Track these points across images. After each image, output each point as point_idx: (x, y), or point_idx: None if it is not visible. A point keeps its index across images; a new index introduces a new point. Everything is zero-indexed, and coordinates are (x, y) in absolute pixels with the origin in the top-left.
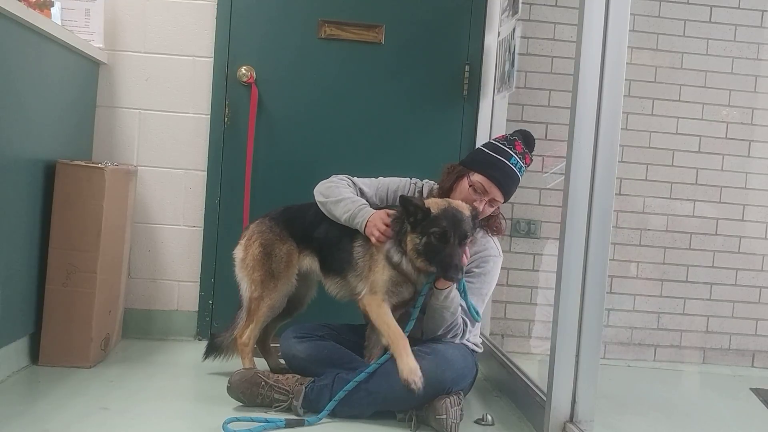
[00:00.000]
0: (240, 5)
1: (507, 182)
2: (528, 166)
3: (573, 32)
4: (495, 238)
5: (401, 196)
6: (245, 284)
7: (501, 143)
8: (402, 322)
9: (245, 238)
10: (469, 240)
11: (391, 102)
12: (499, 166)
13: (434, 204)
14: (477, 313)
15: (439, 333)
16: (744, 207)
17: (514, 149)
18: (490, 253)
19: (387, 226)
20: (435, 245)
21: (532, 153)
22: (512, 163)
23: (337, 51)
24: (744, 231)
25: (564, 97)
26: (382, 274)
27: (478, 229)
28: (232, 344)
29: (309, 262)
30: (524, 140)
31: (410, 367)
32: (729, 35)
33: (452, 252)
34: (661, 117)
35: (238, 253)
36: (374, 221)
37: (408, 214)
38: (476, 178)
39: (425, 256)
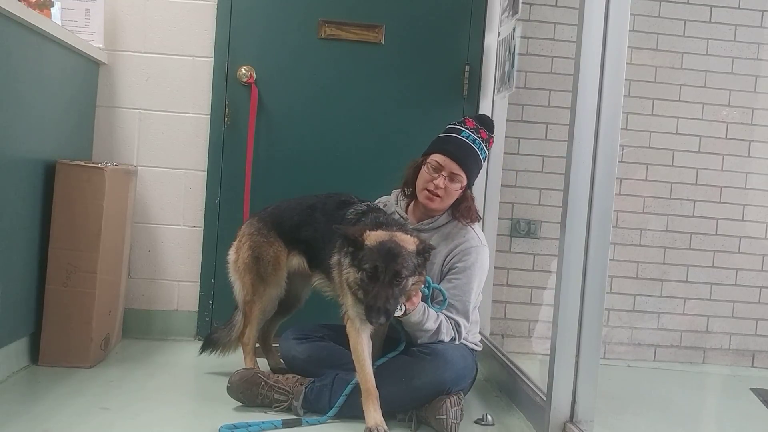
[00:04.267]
0: (240, 5)
1: (461, 154)
2: (487, 142)
3: (573, 32)
4: (476, 228)
5: (333, 226)
6: (237, 287)
7: (452, 124)
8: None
9: (237, 240)
10: (407, 278)
11: (391, 102)
12: (450, 141)
13: (373, 237)
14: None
15: (429, 342)
16: (744, 207)
17: (465, 125)
18: (470, 244)
19: None
20: (366, 284)
21: (490, 132)
22: (463, 137)
23: (337, 51)
24: (744, 231)
25: (564, 97)
26: (347, 297)
27: (424, 267)
28: (230, 343)
29: (298, 261)
30: (477, 120)
31: (375, 421)
32: (729, 35)
33: (378, 293)
34: (661, 117)
35: (231, 255)
36: None
37: (347, 243)
38: (430, 158)
39: (360, 291)
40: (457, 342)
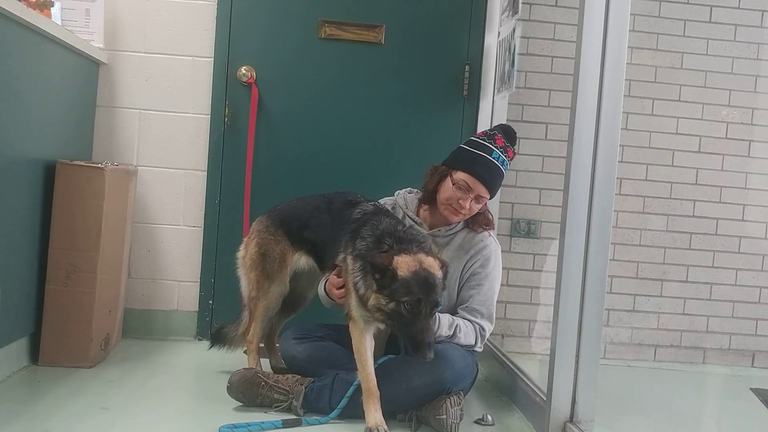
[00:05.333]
0: (240, 5)
1: (490, 177)
2: (511, 160)
3: (573, 32)
4: (490, 230)
5: (361, 255)
6: (244, 283)
7: (481, 139)
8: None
9: (247, 237)
10: (439, 307)
11: (391, 102)
12: (481, 162)
13: (403, 264)
14: None
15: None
16: (744, 207)
17: (495, 144)
18: (490, 249)
19: (340, 287)
20: (404, 316)
21: (514, 147)
22: (494, 158)
23: (337, 51)
24: (744, 231)
25: (564, 97)
26: (351, 297)
27: (444, 288)
28: (236, 339)
29: (305, 261)
30: (504, 134)
31: (376, 421)
32: (729, 35)
33: (424, 327)
34: (661, 117)
35: (241, 251)
36: (329, 288)
37: (374, 270)
38: (459, 176)
39: (392, 323)
40: (479, 344)
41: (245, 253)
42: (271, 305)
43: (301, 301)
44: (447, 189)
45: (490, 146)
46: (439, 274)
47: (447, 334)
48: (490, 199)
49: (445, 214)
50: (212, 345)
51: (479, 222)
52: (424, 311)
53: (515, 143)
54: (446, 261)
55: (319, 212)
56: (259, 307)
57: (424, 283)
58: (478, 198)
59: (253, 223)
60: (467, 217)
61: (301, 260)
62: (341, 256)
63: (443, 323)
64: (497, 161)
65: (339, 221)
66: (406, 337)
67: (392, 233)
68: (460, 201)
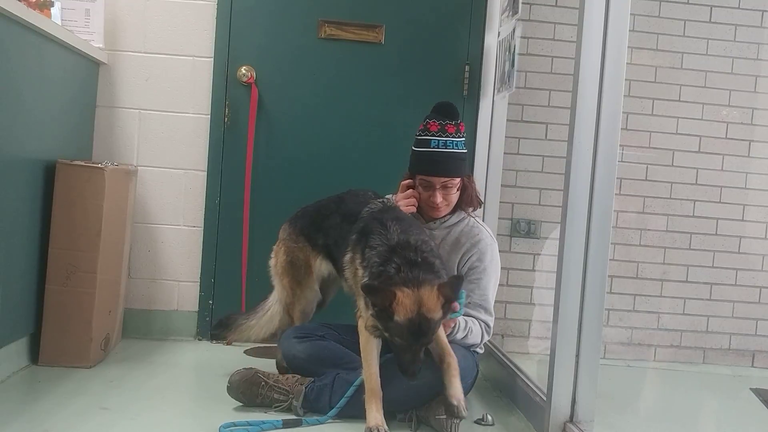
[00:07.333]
0: (240, 5)
1: (439, 165)
2: (458, 132)
3: (573, 32)
4: (485, 224)
5: (363, 286)
6: (278, 289)
7: (418, 134)
8: None
9: (276, 245)
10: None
11: (391, 102)
12: (424, 157)
13: (401, 309)
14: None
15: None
16: (744, 207)
17: (430, 132)
18: (485, 242)
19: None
20: (396, 347)
21: (456, 119)
22: (434, 147)
23: (337, 51)
24: (744, 231)
25: (564, 97)
26: (362, 301)
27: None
28: (245, 328)
29: (326, 266)
30: (437, 115)
31: (376, 422)
32: (729, 35)
33: (412, 359)
34: (661, 117)
35: (272, 259)
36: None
37: (373, 305)
38: (418, 178)
39: (381, 332)
40: (486, 339)
41: (276, 261)
42: (307, 309)
43: (321, 303)
44: (419, 192)
45: (427, 137)
46: (437, 316)
47: (462, 336)
48: (464, 175)
49: (431, 214)
50: (217, 327)
51: (466, 201)
52: (413, 349)
53: (455, 116)
54: (451, 295)
55: (331, 213)
56: (296, 312)
57: (416, 331)
58: (443, 187)
59: (279, 231)
60: (450, 205)
61: (323, 265)
62: (349, 255)
63: (460, 326)
64: (438, 147)
65: (348, 220)
66: (395, 357)
67: (403, 251)
68: (431, 198)
